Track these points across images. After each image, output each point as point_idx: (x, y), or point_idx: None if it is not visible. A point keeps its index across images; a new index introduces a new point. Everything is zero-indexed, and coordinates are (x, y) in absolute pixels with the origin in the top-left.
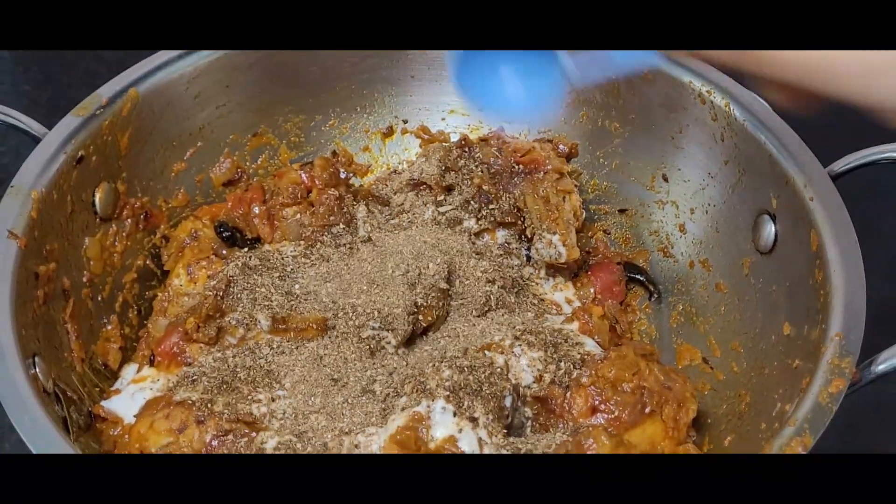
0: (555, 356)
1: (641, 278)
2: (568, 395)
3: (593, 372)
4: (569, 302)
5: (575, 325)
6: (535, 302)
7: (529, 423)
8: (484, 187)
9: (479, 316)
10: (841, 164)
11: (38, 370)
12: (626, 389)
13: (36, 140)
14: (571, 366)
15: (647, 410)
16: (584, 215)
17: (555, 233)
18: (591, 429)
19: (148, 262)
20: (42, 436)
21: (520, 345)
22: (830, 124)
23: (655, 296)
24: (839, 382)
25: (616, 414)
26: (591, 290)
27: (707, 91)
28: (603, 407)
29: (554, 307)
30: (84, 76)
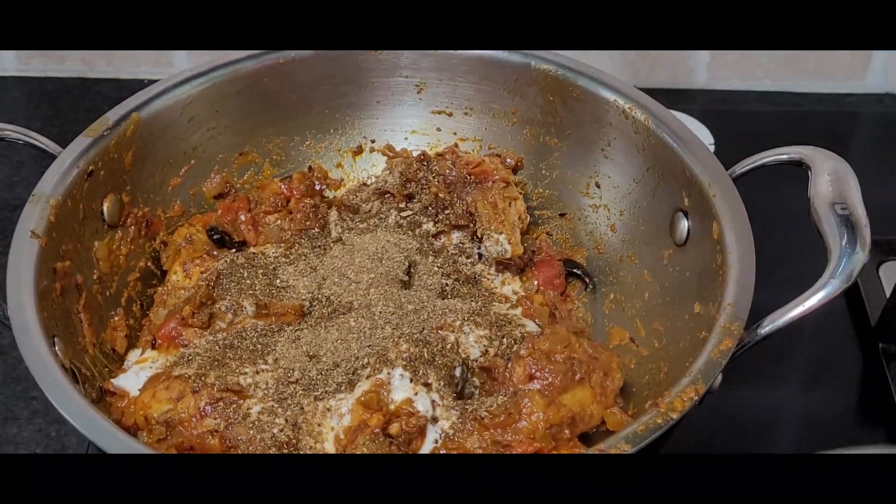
0: (499, 334)
1: (579, 272)
2: (509, 365)
3: (531, 345)
4: (515, 294)
5: (518, 311)
6: (486, 294)
7: (477, 391)
8: (440, 195)
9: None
10: (741, 167)
11: (57, 349)
12: (558, 359)
13: (52, 157)
14: (512, 341)
15: (577, 377)
16: (528, 219)
17: (501, 232)
18: (527, 391)
19: (149, 263)
20: (61, 392)
21: (468, 325)
22: (734, 136)
23: (591, 287)
24: (728, 341)
25: (550, 380)
26: (535, 283)
27: (629, 108)
28: (538, 374)
29: (503, 299)
30: (89, 113)
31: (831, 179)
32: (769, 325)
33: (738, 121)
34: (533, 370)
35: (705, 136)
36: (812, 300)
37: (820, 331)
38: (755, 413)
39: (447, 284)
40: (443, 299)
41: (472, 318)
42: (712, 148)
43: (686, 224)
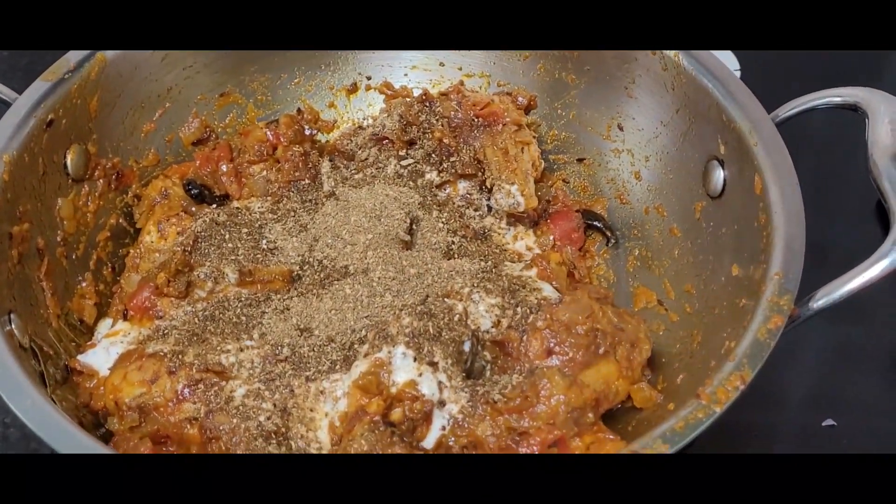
0: (512, 302)
1: (599, 225)
2: (524, 338)
3: (548, 316)
4: (529, 249)
5: (534, 272)
6: (497, 251)
7: (489, 366)
8: (444, 140)
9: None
10: (784, 110)
11: (13, 326)
12: (579, 332)
13: (6, 105)
14: (528, 310)
15: (601, 351)
16: (542, 165)
17: (513, 183)
18: (545, 370)
19: (121, 220)
20: (16, 388)
21: (478, 292)
22: (774, 82)
23: (613, 241)
24: (777, 319)
25: (570, 355)
26: (551, 238)
27: None
28: (558, 349)
29: (515, 256)
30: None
31: (893, 128)
32: (823, 299)
33: None
34: (551, 344)
35: (730, 61)
36: (873, 270)
37: None
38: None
39: (453, 242)
40: (448, 259)
41: (481, 284)
42: (738, 74)
43: (722, 174)
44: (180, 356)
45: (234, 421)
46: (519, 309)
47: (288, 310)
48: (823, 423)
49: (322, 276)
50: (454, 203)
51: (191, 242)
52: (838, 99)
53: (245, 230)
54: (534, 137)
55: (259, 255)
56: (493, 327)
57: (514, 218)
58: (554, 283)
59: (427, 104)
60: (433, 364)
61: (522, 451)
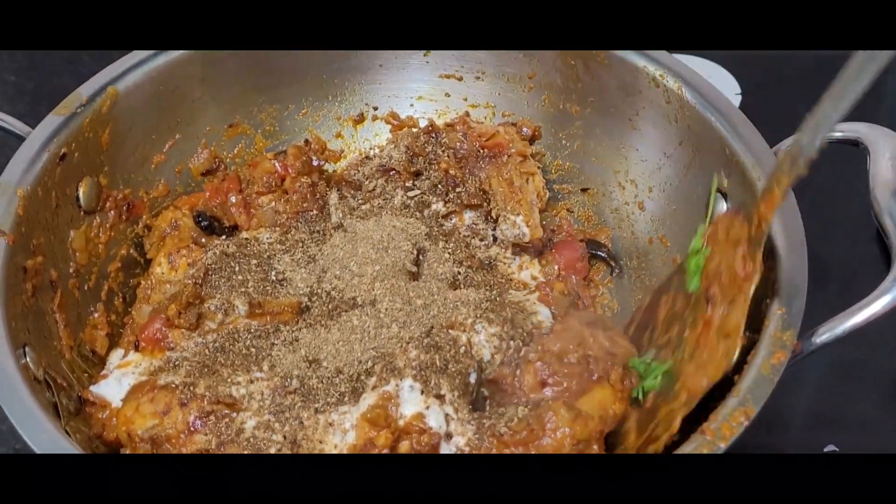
0: (510, 333)
1: (603, 254)
2: (518, 373)
3: (539, 347)
4: (534, 279)
5: (535, 295)
6: (503, 281)
7: (487, 402)
8: (450, 171)
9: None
10: (786, 145)
11: (28, 359)
12: (572, 360)
13: (20, 139)
14: (520, 343)
15: (595, 377)
16: (547, 195)
17: (518, 214)
18: (551, 403)
19: (131, 251)
20: (31, 421)
21: (481, 322)
22: (775, 105)
23: (617, 271)
24: (781, 354)
25: (565, 385)
26: (556, 267)
27: (660, 75)
28: (551, 380)
29: (521, 286)
30: (67, 64)
31: (894, 164)
32: (826, 335)
33: (765, 67)
34: (544, 376)
35: (731, 84)
36: (875, 306)
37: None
38: None
39: (459, 273)
40: (455, 289)
41: (485, 315)
42: (739, 98)
43: (725, 207)
44: (192, 388)
45: (245, 453)
46: (512, 343)
47: (297, 341)
48: (825, 449)
49: (330, 307)
50: (460, 233)
51: (202, 275)
52: (839, 134)
53: (254, 261)
54: (538, 168)
55: (268, 287)
56: (494, 355)
57: (519, 248)
58: (553, 308)
59: (433, 135)
60: (440, 397)
61: None
